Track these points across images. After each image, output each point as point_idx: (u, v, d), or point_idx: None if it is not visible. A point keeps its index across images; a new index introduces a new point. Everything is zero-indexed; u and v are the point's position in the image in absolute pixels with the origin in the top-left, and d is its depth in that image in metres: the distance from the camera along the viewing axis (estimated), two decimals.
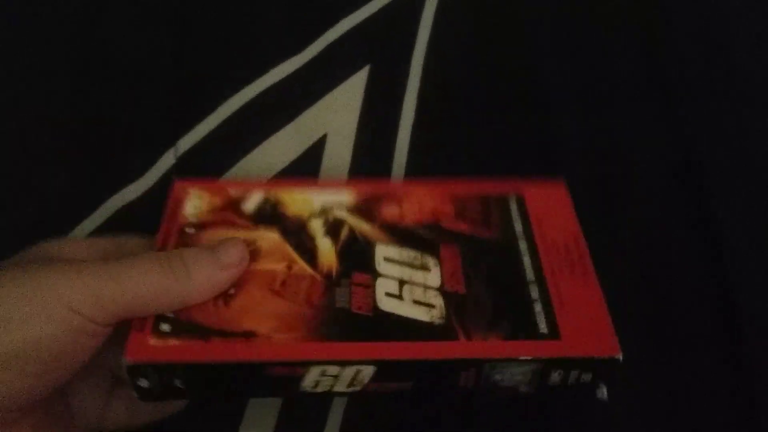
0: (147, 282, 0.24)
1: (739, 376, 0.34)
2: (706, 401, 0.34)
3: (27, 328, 0.21)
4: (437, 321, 0.25)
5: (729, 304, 0.35)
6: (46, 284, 0.22)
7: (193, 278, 0.25)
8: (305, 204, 0.29)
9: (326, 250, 0.28)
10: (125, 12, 0.38)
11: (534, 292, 0.27)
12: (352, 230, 0.29)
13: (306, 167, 0.36)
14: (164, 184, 0.34)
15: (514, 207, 0.30)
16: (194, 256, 0.25)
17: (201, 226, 0.28)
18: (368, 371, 0.24)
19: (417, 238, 0.28)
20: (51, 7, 0.38)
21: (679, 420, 0.34)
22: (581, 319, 0.26)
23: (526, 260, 0.28)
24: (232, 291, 0.26)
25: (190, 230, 0.28)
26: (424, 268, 0.27)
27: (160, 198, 0.29)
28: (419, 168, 0.37)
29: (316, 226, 0.29)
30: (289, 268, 0.27)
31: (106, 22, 0.38)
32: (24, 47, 0.37)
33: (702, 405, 0.34)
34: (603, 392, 0.26)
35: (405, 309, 0.26)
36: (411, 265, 0.27)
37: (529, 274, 0.27)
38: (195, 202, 0.29)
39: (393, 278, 0.27)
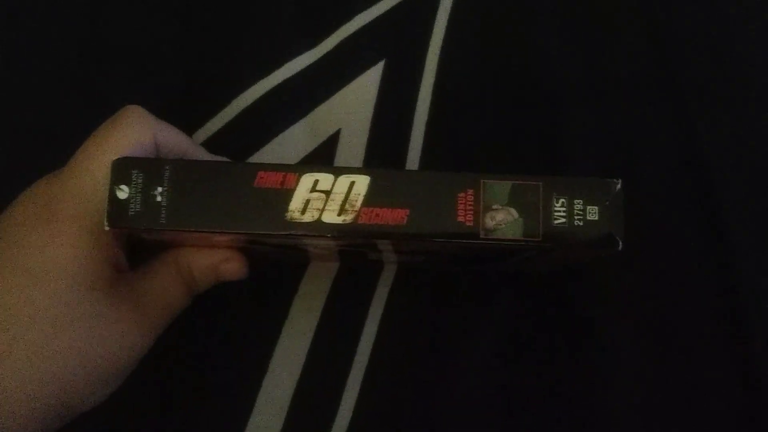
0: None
1: (743, 376, 0.34)
2: (708, 402, 0.34)
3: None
4: None
5: (734, 303, 0.35)
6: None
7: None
8: None
9: None
10: (137, 5, 0.38)
11: None
12: None
13: (319, 163, 0.36)
14: None
15: None
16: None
17: None
18: (363, 185, 0.24)
19: None
20: (57, 3, 0.38)
21: (680, 420, 0.34)
22: None
23: None
24: None
25: None
26: None
27: None
28: (433, 164, 0.36)
29: None
30: None
31: (115, 16, 0.38)
32: (26, 47, 0.37)
33: (704, 405, 0.34)
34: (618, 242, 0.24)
35: None
36: None
37: None
38: None
39: None
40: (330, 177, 0.24)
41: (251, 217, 0.23)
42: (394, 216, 0.24)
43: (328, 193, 0.24)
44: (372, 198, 0.24)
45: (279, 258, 0.33)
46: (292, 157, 0.36)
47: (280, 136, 0.36)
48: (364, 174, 0.24)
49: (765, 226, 0.36)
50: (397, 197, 0.24)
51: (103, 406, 0.27)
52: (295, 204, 0.23)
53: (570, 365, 0.35)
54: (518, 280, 0.35)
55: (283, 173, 0.24)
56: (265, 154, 0.36)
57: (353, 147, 0.36)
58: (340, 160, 0.36)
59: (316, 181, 0.24)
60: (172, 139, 0.28)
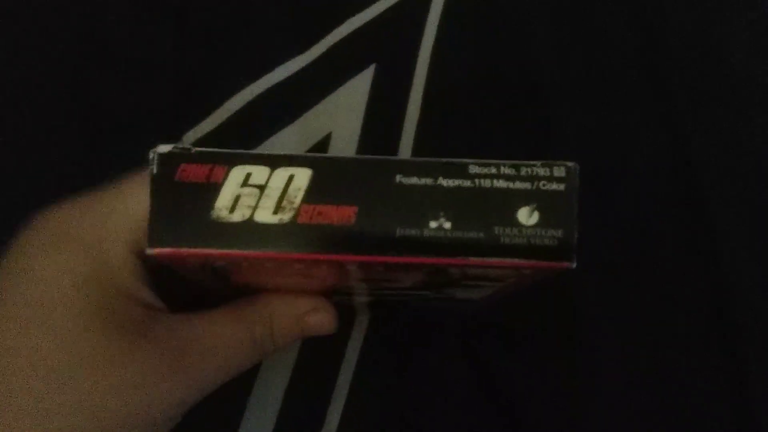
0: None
1: (734, 375, 0.34)
2: (701, 401, 0.34)
3: None
4: None
5: (724, 305, 0.35)
6: None
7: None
8: None
9: None
10: (131, 7, 0.38)
11: None
12: None
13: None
14: None
15: None
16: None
17: None
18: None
19: None
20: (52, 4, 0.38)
21: (671, 422, 0.34)
22: None
23: None
24: None
25: None
26: None
27: None
28: None
29: None
30: None
31: (109, 17, 0.38)
32: (21, 47, 0.37)
33: (696, 408, 0.34)
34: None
35: None
36: None
37: None
38: None
39: None
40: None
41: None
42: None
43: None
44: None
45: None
46: None
47: (271, 139, 0.36)
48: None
49: (754, 228, 0.36)
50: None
51: None
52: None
53: (563, 366, 0.34)
54: None
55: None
56: None
57: (344, 150, 0.36)
58: None
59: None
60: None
